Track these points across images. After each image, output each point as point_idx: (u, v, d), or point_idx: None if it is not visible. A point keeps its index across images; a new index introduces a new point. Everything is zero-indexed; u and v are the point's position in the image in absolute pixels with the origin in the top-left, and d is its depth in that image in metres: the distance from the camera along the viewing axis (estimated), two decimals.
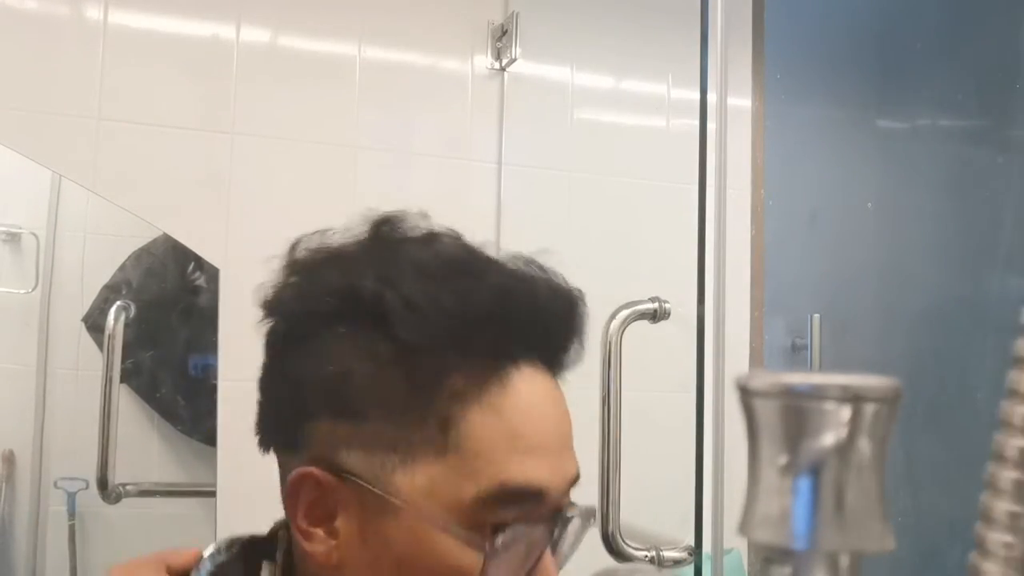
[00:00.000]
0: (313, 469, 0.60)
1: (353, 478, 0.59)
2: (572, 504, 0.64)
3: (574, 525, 0.65)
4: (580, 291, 0.65)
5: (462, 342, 0.58)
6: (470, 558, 0.58)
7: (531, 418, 0.60)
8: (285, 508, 0.63)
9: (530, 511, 0.59)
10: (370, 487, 0.58)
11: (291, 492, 0.61)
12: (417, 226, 0.64)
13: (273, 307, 0.63)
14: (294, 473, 0.61)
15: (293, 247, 0.64)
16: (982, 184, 1.90)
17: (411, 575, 0.59)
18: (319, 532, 0.61)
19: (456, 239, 0.63)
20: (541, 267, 0.63)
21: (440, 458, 0.58)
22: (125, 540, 1.66)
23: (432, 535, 0.58)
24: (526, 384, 0.60)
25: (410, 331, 0.57)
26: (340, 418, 0.60)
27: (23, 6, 1.61)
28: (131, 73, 1.64)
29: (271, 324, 0.64)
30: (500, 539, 0.58)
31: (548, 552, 0.61)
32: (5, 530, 1.59)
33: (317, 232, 0.64)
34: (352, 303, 0.59)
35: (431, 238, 0.63)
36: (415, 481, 0.58)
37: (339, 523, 0.60)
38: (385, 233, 0.63)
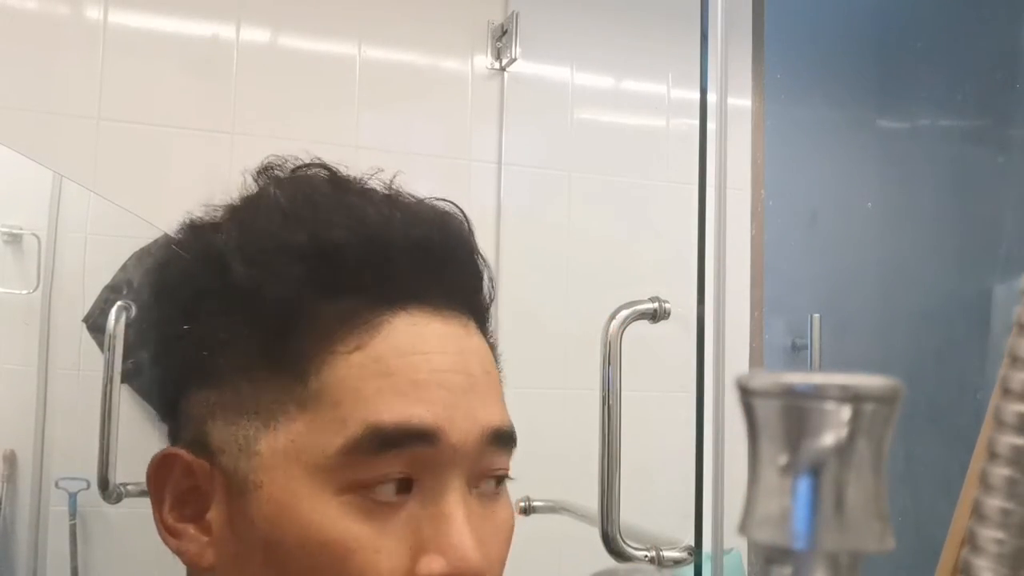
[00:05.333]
0: (179, 450, 0.52)
1: (223, 460, 0.50)
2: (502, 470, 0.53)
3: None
4: (464, 215, 0.57)
5: (317, 284, 0.50)
6: (347, 529, 0.47)
7: (412, 359, 0.50)
8: (151, 499, 0.53)
9: (420, 459, 0.48)
10: (229, 461, 0.50)
11: (153, 477, 0.52)
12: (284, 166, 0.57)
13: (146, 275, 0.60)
14: (155, 455, 0.52)
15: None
16: (982, 184, 1.90)
17: (292, 565, 0.48)
18: (189, 528, 0.51)
19: (322, 170, 0.56)
20: (416, 197, 0.56)
21: (302, 412, 0.49)
22: (126, 540, 1.66)
23: (297, 506, 0.47)
24: (407, 327, 0.50)
25: (252, 274, 0.50)
26: (203, 385, 0.52)
27: (23, 6, 1.61)
28: (131, 73, 1.64)
29: (148, 293, 0.57)
30: (379, 495, 0.48)
31: (459, 512, 0.49)
32: (6, 530, 1.59)
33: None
34: (199, 254, 0.53)
35: (293, 174, 0.56)
36: (277, 444, 0.49)
37: (211, 515, 0.51)
38: (257, 181, 0.57)
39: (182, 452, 0.52)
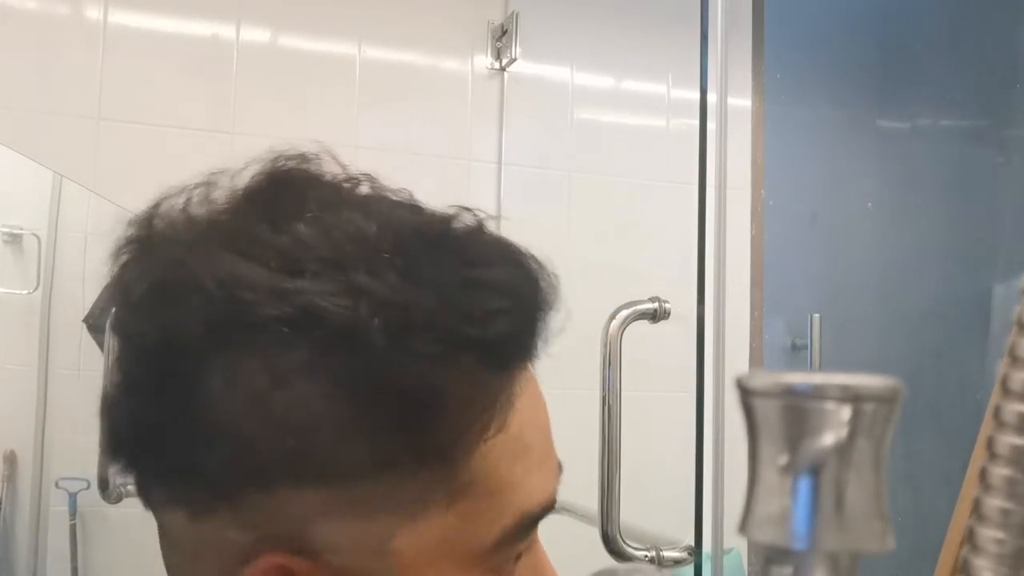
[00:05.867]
0: (282, 559, 0.42)
1: (339, 559, 0.43)
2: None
3: None
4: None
5: (470, 362, 0.42)
6: None
7: (535, 428, 0.47)
8: None
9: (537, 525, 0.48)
10: (349, 561, 0.43)
11: None
12: (333, 175, 0.46)
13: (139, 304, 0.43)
14: (259, 564, 0.42)
15: (156, 206, 0.46)
16: (982, 184, 1.90)
17: None
18: None
19: (411, 201, 0.47)
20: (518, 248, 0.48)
21: (453, 505, 0.43)
22: (126, 540, 1.66)
23: None
24: (527, 393, 0.47)
25: (399, 349, 0.40)
26: (305, 483, 0.42)
27: (23, 6, 1.61)
28: (131, 73, 1.64)
29: (140, 332, 0.44)
30: (517, 569, 0.47)
31: (546, 558, 0.50)
32: (7, 530, 1.59)
33: (195, 186, 0.47)
34: (302, 313, 0.40)
35: (383, 201, 0.46)
36: (422, 541, 0.43)
37: None
38: (304, 189, 0.44)
39: (285, 560, 0.42)
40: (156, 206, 0.47)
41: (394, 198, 0.46)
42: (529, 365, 0.47)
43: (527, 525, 0.46)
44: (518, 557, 0.46)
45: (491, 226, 0.47)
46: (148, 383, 0.43)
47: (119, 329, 0.45)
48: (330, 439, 0.41)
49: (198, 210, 0.45)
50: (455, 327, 0.41)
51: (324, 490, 0.42)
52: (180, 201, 0.46)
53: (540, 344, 0.47)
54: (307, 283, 0.40)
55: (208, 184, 0.46)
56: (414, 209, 0.46)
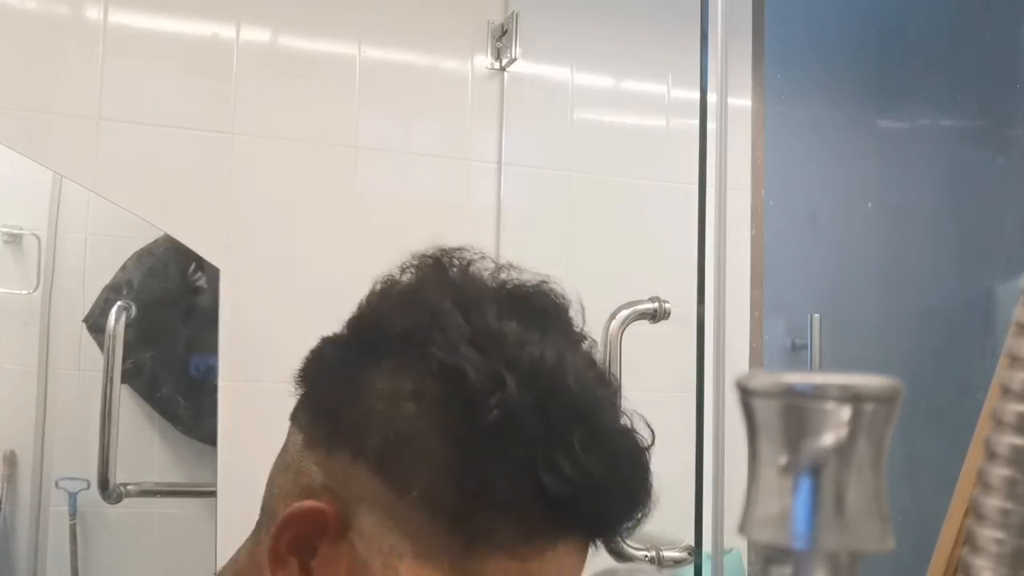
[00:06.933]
0: (328, 509, 0.55)
1: (359, 545, 0.54)
2: None
3: None
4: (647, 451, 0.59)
5: (542, 512, 0.53)
6: None
7: None
8: (270, 519, 0.58)
9: None
10: (365, 552, 0.54)
11: (293, 515, 0.55)
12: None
13: (377, 307, 0.59)
14: (307, 504, 0.55)
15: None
16: (982, 184, 1.90)
17: None
18: (293, 562, 0.55)
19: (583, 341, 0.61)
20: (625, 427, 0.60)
21: (445, 570, 0.53)
22: (126, 540, 1.66)
23: None
24: (560, 556, 0.55)
25: (502, 447, 0.52)
26: (383, 475, 0.54)
27: (23, 6, 1.61)
28: (131, 73, 1.64)
29: (365, 319, 0.59)
30: None
31: None
32: (7, 530, 1.59)
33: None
34: (455, 372, 0.53)
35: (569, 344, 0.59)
36: (409, 566, 0.54)
37: (315, 564, 0.55)
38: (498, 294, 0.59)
39: (329, 510, 0.55)
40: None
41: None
42: (587, 543, 0.57)
43: None
44: None
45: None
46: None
47: None
48: (419, 459, 0.53)
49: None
50: (546, 485, 0.52)
51: (388, 485, 0.54)
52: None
53: (612, 531, 0.57)
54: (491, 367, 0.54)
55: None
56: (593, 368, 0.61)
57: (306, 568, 0.55)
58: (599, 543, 0.58)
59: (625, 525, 0.57)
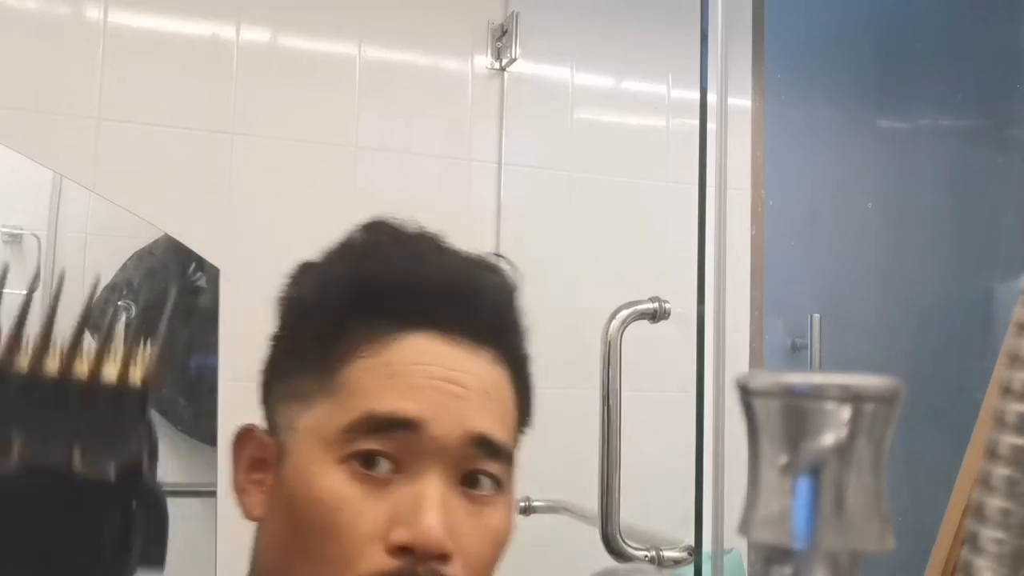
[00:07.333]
0: (254, 427, 0.67)
1: (279, 432, 0.65)
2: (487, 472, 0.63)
3: None
4: (502, 274, 0.69)
5: (356, 308, 0.64)
6: (339, 489, 0.59)
7: (412, 367, 0.62)
8: (232, 461, 0.69)
9: (405, 444, 0.60)
10: (282, 435, 0.64)
11: (234, 446, 0.68)
12: (400, 224, 0.69)
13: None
14: (238, 429, 0.68)
15: None
16: (982, 184, 1.90)
17: (297, 515, 0.61)
18: (252, 488, 0.66)
19: (400, 227, 0.68)
20: (469, 253, 0.69)
21: (327, 399, 0.62)
22: None
23: (308, 468, 0.61)
24: (417, 343, 0.63)
25: (317, 299, 0.66)
26: (277, 378, 0.67)
27: (23, 6, 1.61)
28: (131, 73, 1.64)
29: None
30: (363, 465, 0.59)
31: (432, 493, 0.59)
32: None
33: None
34: (292, 279, 0.68)
35: (369, 229, 0.68)
36: (308, 423, 0.62)
37: (266, 477, 0.65)
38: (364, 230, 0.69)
39: (255, 429, 0.67)
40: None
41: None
42: (440, 337, 0.64)
43: (371, 423, 0.60)
44: (372, 458, 0.60)
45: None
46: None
47: None
48: (287, 351, 0.67)
49: None
50: (351, 287, 0.65)
51: (280, 384, 0.66)
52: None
53: (439, 317, 0.64)
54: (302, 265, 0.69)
55: None
56: (395, 234, 0.69)
57: (262, 484, 0.66)
58: (464, 340, 0.64)
59: (461, 318, 0.64)
